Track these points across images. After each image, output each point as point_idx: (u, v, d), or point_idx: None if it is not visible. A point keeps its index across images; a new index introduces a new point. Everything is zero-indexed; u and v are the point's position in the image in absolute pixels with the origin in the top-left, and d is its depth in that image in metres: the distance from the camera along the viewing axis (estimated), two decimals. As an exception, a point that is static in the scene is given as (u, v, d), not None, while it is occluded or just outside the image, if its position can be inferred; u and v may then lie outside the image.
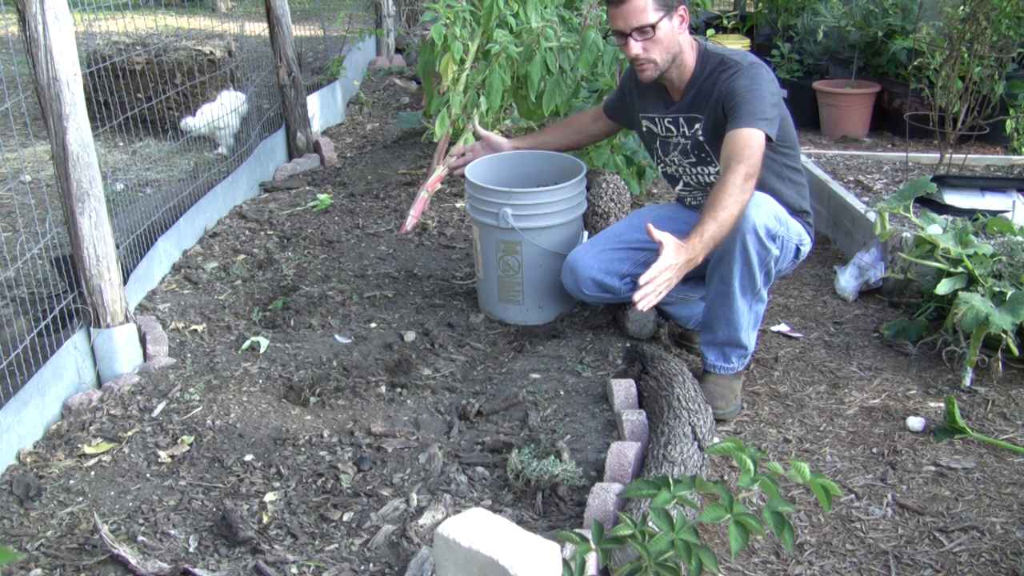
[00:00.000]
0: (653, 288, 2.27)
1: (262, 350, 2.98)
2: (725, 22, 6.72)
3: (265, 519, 2.21)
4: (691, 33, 2.69)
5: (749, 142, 2.44)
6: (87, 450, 2.48)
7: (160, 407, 2.65)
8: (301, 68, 5.01)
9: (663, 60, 2.61)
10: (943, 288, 2.83)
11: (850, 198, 3.76)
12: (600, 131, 3.20)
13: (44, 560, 2.09)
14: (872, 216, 3.46)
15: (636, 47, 2.58)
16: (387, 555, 2.08)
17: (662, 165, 2.90)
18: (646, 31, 2.55)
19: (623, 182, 3.68)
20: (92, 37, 5.04)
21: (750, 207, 2.45)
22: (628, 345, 2.93)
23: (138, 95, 4.78)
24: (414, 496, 2.27)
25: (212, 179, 4.20)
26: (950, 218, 3.37)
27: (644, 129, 2.87)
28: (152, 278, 3.44)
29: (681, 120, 2.73)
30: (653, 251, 2.89)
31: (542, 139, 3.24)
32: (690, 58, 2.65)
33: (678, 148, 2.78)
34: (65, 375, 2.70)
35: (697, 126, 2.69)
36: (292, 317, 3.19)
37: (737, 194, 2.39)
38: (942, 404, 2.68)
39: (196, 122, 4.71)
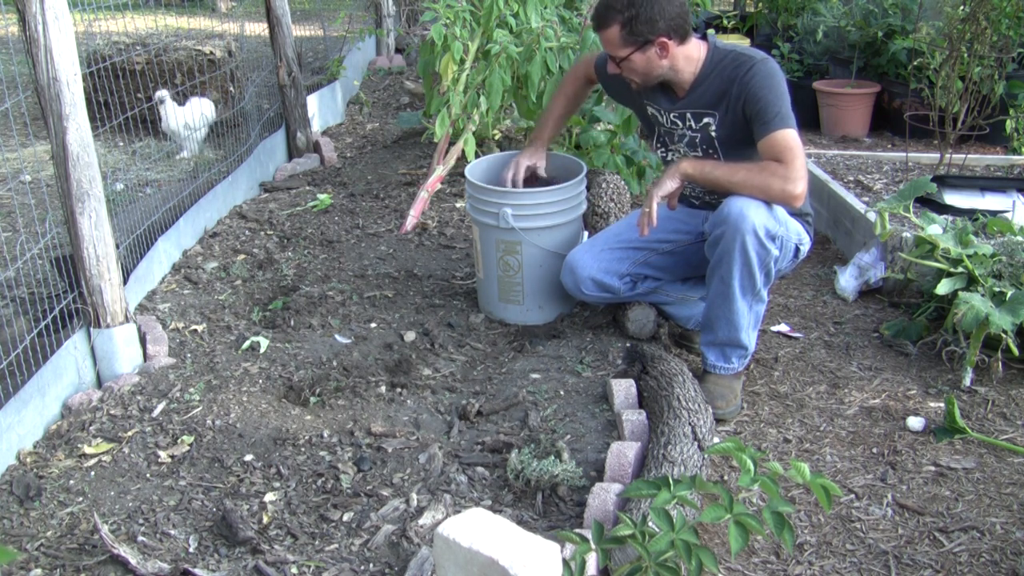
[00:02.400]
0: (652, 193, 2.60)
1: (262, 350, 2.98)
2: (725, 22, 6.72)
3: (265, 519, 2.21)
4: (696, 33, 2.68)
5: (788, 144, 2.50)
6: (87, 450, 2.48)
7: (160, 407, 2.65)
8: (301, 68, 5.01)
9: (643, 80, 2.68)
10: (943, 288, 2.83)
11: (850, 198, 3.76)
12: (591, 88, 3.23)
13: (44, 560, 2.09)
14: (872, 216, 3.46)
15: (613, 68, 2.68)
16: (387, 555, 2.08)
17: (665, 152, 2.88)
18: (619, 60, 2.63)
19: (623, 182, 3.68)
20: (92, 37, 5.04)
21: (750, 207, 2.46)
22: (628, 345, 2.93)
23: (138, 95, 4.78)
24: (414, 496, 2.27)
25: (212, 179, 4.20)
26: (950, 218, 3.38)
27: (649, 113, 2.86)
28: (152, 278, 3.44)
29: (688, 115, 2.72)
30: (653, 251, 2.91)
31: (555, 125, 3.22)
32: (692, 64, 2.64)
33: (684, 140, 2.78)
34: (65, 375, 2.70)
35: (707, 120, 2.69)
36: (292, 317, 3.19)
37: (766, 176, 2.49)
38: (942, 404, 2.68)
39: (174, 123, 4.72)
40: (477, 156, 3.98)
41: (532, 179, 3.22)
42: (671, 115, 2.76)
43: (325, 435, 2.53)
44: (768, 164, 2.50)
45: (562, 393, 2.71)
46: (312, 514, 2.24)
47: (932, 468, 2.43)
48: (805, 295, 3.45)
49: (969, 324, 2.67)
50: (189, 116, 4.75)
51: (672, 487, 1.80)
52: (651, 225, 2.62)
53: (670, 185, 2.60)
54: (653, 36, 2.56)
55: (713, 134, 2.70)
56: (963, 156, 4.29)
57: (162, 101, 4.70)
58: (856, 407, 2.71)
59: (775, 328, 3.17)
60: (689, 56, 2.64)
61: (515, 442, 2.46)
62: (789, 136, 2.50)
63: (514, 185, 3.08)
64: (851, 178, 4.18)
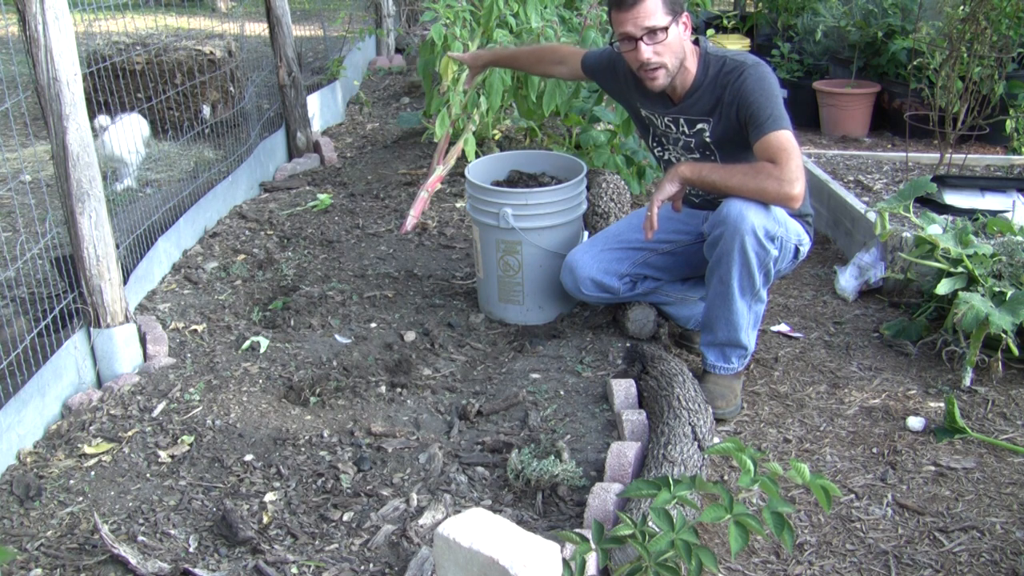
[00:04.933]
0: (653, 200, 2.58)
1: (262, 350, 2.98)
2: (725, 22, 6.73)
3: (265, 519, 2.21)
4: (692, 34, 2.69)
5: (783, 144, 2.47)
6: (87, 450, 2.48)
7: (160, 407, 2.65)
8: (301, 68, 5.01)
9: (673, 65, 2.57)
10: (943, 288, 2.83)
11: (850, 198, 3.76)
12: (567, 76, 3.18)
13: (44, 560, 2.09)
14: (872, 216, 3.46)
15: (647, 51, 2.51)
16: (387, 555, 2.08)
17: (662, 151, 2.88)
18: (657, 34, 2.49)
19: (623, 182, 3.69)
20: (92, 37, 5.04)
21: (749, 208, 2.45)
22: (628, 345, 2.93)
23: (138, 95, 4.78)
24: (414, 496, 2.27)
25: (212, 179, 4.20)
26: (950, 218, 3.38)
27: (643, 115, 2.86)
28: (152, 278, 3.44)
29: (681, 120, 2.72)
30: (652, 251, 2.91)
31: (509, 56, 3.27)
32: (692, 63, 2.64)
33: (679, 144, 2.78)
34: (65, 375, 2.70)
35: (701, 126, 2.69)
36: (292, 317, 3.19)
37: (762, 179, 2.45)
38: (942, 404, 2.68)
39: (116, 150, 4.12)
40: (477, 156, 3.98)
41: (531, 180, 3.22)
42: (665, 119, 2.76)
43: (325, 435, 2.53)
44: (764, 166, 2.48)
45: (562, 393, 2.71)
46: (312, 514, 2.24)
47: (932, 468, 2.43)
48: (805, 295, 3.45)
49: (969, 324, 2.67)
50: (127, 138, 4.16)
51: (672, 487, 1.80)
52: (653, 229, 2.61)
53: (670, 189, 2.57)
54: (680, 9, 2.54)
55: (707, 139, 2.70)
56: (963, 156, 4.29)
57: (104, 128, 4.01)
58: (856, 407, 2.71)
59: (775, 328, 3.17)
60: (692, 52, 2.64)
61: (515, 442, 2.46)
62: (783, 137, 2.48)
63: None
64: (851, 178, 4.18)
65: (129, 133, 4.18)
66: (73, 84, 2.59)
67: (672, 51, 2.54)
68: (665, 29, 2.49)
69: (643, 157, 4.07)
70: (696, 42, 2.67)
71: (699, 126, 2.69)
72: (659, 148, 2.89)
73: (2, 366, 2.49)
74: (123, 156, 4.18)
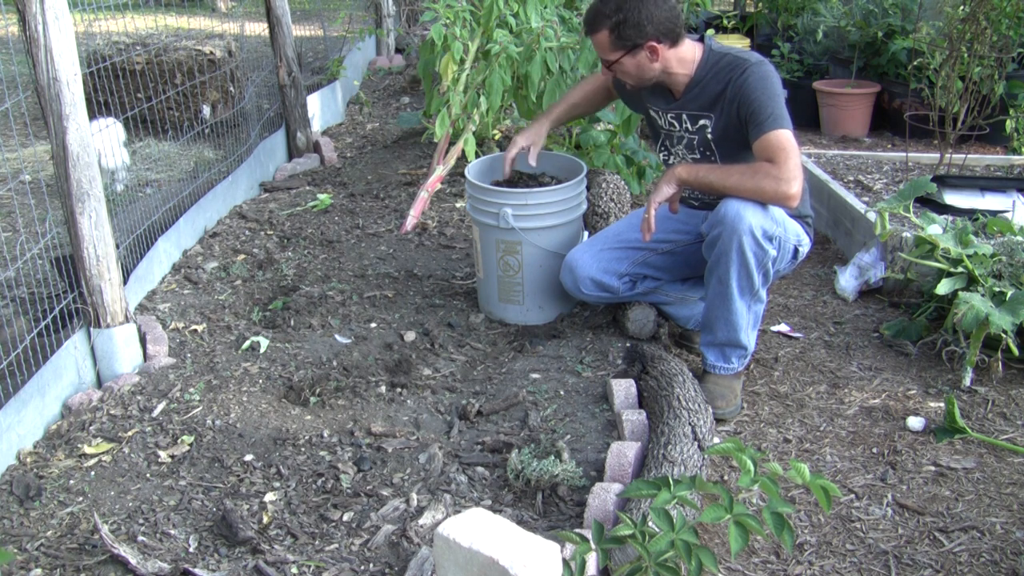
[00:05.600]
0: (650, 200, 2.62)
1: (262, 350, 2.98)
2: (725, 22, 6.73)
3: (265, 519, 2.22)
4: (693, 34, 2.68)
5: (782, 144, 2.48)
6: (87, 450, 2.48)
7: (160, 407, 2.65)
8: (301, 68, 5.01)
9: (636, 82, 2.71)
10: (943, 288, 2.83)
11: (850, 198, 3.76)
12: (609, 100, 3.23)
13: (44, 560, 2.09)
14: (872, 216, 3.46)
15: (605, 71, 2.74)
16: (387, 555, 2.08)
17: (667, 155, 2.89)
18: (609, 63, 2.66)
19: (623, 182, 3.69)
20: (92, 37, 5.04)
21: (747, 208, 2.45)
22: (628, 345, 2.93)
23: (138, 95, 4.78)
24: (414, 496, 2.27)
25: (212, 179, 4.20)
26: (950, 218, 3.38)
27: (651, 115, 2.87)
28: (152, 278, 3.44)
29: (684, 116, 2.73)
30: (651, 251, 2.91)
31: (566, 109, 3.18)
32: (686, 66, 2.65)
33: (683, 142, 2.79)
34: (65, 375, 2.70)
35: (703, 122, 2.69)
36: (292, 317, 3.19)
37: (759, 178, 2.47)
38: (942, 404, 2.68)
39: (111, 163, 4.01)
40: (477, 156, 3.98)
41: (531, 180, 3.22)
42: (668, 116, 2.77)
43: (325, 435, 2.53)
44: (761, 165, 2.49)
45: (562, 393, 2.71)
46: (312, 514, 2.24)
47: (932, 468, 2.43)
48: (805, 295, 3.45)
49: (969, 324, 2.67)
50: (104, 144, 3.88)
51: (672, 487, 1.80)
52: (650, 231, 2.63)
53: (667, 191, 2.59)
54: (642, 41, 2.57)
55: (709, 136, 2.70)
56: (963, 156, 4.29)
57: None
58: (856, 407, 2.71)
59: (775, 328, 3.17)
60: (683, 58, 2.63)
61: (515, 442, 2.46)
62: (782, 136, 2.48)
63: (507, 162, 3.08)
64: (851, 178, 4.18)
65: (105, 139, 3.97)
66: (73, 84, 2.59)
67: (629, 75, 2.68)
68: (614, 62, 2.64)
69: (643, 157, 4.07)
70: (701, 39, 2.68)
71: (701, 122, 2.69)
72: (664, 152, 2.90)
73: (2, 366, 2.49)
74: (113, 164, 4.08)
